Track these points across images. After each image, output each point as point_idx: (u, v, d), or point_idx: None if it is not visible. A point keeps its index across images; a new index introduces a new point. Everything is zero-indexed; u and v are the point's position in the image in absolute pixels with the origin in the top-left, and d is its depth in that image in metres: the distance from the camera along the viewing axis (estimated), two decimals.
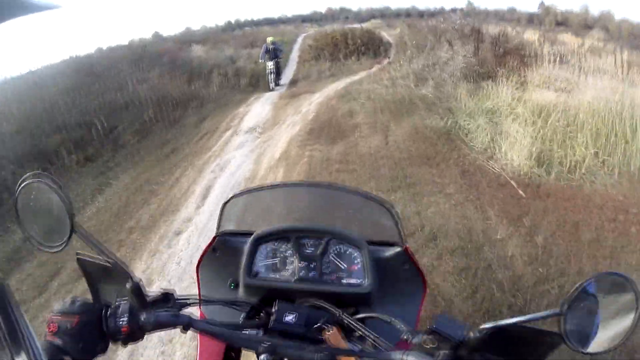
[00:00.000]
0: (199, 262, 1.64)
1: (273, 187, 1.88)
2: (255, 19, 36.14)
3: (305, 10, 40.11)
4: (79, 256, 1.31)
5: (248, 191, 1.76)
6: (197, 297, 1.34)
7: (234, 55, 21.57)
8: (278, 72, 15.81)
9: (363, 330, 1.25)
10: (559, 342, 0.97)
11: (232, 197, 1.72)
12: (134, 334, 1.16)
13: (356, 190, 1.71)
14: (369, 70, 17.58)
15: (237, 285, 1.55)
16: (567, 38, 20.40)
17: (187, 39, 26.00)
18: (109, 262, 1.23)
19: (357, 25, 27.99)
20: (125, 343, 1.18)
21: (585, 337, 0.97)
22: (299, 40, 27.82)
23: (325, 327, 1.27)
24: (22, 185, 1.23)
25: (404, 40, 20.40)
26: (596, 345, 0.98)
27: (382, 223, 1.63)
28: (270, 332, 1.30)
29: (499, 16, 28.81)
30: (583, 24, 26.23)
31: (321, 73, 18.45)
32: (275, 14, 37.91)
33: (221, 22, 32.48)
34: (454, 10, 33.74)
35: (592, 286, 0.98)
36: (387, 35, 25.54)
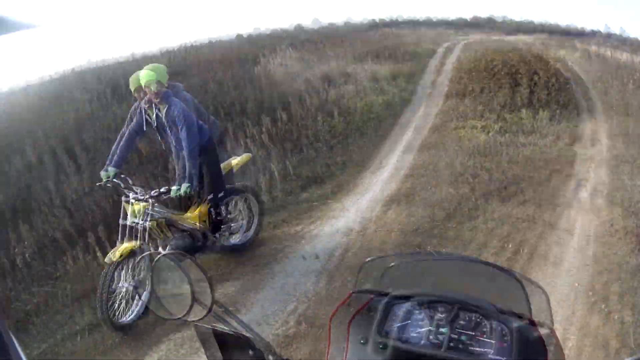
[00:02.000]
0: (332, 315, 1.64)
1: (412, 254, 2.12)
2: (400, 18, 34.73)
3: (450, 15, 38.45)
4: (197, 326, 1.46)
5: (388, 256, 1.85)
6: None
7: (337, 72, 14.82)
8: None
9: None
10: None
11: (371, 259, 1.80)
12: None
13: (492, 264, 1.75)
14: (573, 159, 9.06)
15: (366, 342, 1.52)
16: None
17: (274, 41, 18.44)
18: (239, 333, 1.39)
19: (510, 37, 23.73)
20: None
21: None
22: (440, 52, 20.93)
23: None
24: (160, 259, 1.56)
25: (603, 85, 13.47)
26: None
27: (516, 297, 1.63)
28: None
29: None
30: None
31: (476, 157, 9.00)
32: (420, 15, 36.26)
33: (365, 19, 30.50)
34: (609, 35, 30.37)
35: None
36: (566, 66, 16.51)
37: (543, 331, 1.53)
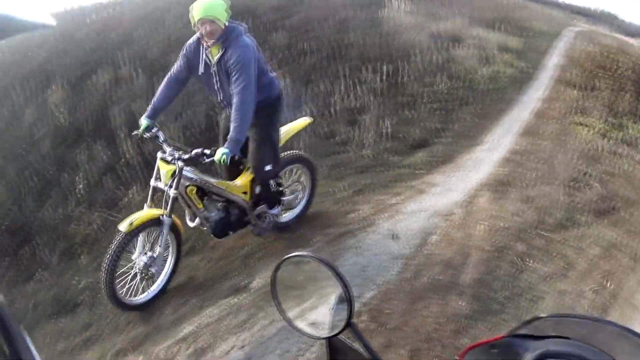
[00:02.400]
0: (470, 348, 1.56)
1: (584, 318, 1.74)
2: None
3: (579, 2, 37.29)
4: (331, 340, 1.47)
5: (559, 316, 1.75)
6: None
7: (449, 34, 13.38)
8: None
9: None
10: None
11: (542, 317, 1.63)
12: None
13: None
14: None
15: None
16: None
17: None
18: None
19: (632, 41, 21.86)
20: None
21: None
22: (565, 35, 18.87)
23: None
24: (286, 259, 1.50)
25: None
26: None
27: None
28: None
29: None
30: None
31: None
32: None
33: None
34: None
35: None
36: None
37: None
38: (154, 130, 4.52)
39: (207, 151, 4.27)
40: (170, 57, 8.56)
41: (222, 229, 4.84)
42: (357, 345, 1.41)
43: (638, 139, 9.53)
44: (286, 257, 1.50)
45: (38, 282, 5.24)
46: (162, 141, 4.44)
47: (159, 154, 4.39)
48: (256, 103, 4.49)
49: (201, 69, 4.48)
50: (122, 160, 6.55)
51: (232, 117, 4.32)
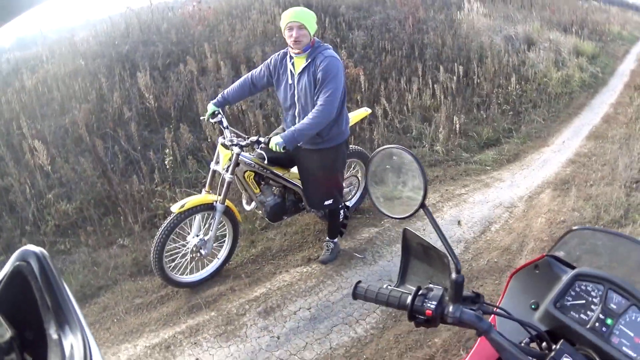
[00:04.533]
0: (515, 271, 1.78)
1: (616, 234, 1.91)
2: None
3: None
4: (406, 232, 1.65)
5: (592, 229, 1.92)
6: (498, 307, 1.54)
7: (523, 36, 13.93)
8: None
9: None
10: None
11: (575, 229, 1.87)
12: (434, 320, 1.35)
13: None
14: None
15: (536, 308, 1.64)
16: None
17: None
18: (436, 248, 1.53)
19: None
20: (419, 325, 1.39)
21: None
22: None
23: None
24: (380, 151, 1.67)
25: None
26: None
27: None
28: None
29: None
30: None
31: None
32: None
33: None
34: None
35: None
36: None
37: None
38: (219, 116, 4.63)
39: (262, 139, 4.27)
40: (255, 49, 9.08)
41: (277, 213, 4.95)
42: (425, 239, 1.59)
43: None
44: (377, 150, 1.69)
45: (120, 247, 5.55)
46: (225, 127, 4.55)
47: (220, 139, 4.53)
48: (335, 141, 4.56)
49: (283, 80, 4.50)
50: (206, 143, 6.91)
51: (307, 116, 4.26)
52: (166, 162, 6.28)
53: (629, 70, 14.49)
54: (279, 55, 4.58)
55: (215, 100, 4.70)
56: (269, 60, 4.65)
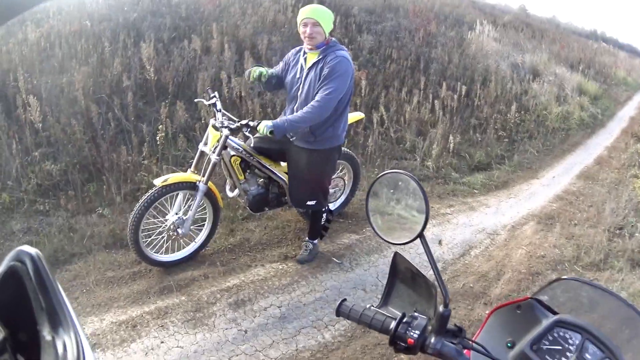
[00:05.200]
0: (497, 307, 1.78)
1: (602, 289, 1.88)
2: (619, 41, 32.87)
3: None
4: (397, 256, 1.64)
5: (580, 280, 1.89)
6: (476, 343, 1.49)
7: (529, 66, 14.12)
8: None
9: None
10: None
11: (564, 278, 1.87)
12: (414, 348, 1.37)
13: None
14: None
15: (512, 347, 1.62)
16: None
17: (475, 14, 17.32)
18: (426, 277, 1.53)
19: None
20: (398, 351, 1.40)
21: None
22: None
23: None
24: (386, 174, 1.69)
25: None
26: None
27: None
28: None
29: None
30: None
31: None
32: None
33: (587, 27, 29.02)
34: None
35: None
36: None
37: None
38: (214, 98, 4.60)
39: (252, 123, 4.29)
40: (262, 37, 9.09)
41: (259, 204, 4.95)
42: (414, 266, 1.59)
43: None
44: (382, 173, 1.71)
45: (99, 216, 5.52)
46: (218, 110, 4.54)
47: (211, 120, 4.54)
48: (328, 144, 4.56)
49: (292, 72, 4.52)
50: (199, 123, 6.90)
51: (303, 109, 4.28)
52: (157, 137, 6.21)
53: (629, 117, 14.67)
54: (295, 49, 4.61)
55: (269, 70, 4.53)
56: (286, 56, 4.68)
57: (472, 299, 4.95)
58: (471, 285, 5.20)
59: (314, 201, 4.85)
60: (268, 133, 4.13)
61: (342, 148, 5.19)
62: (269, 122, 4.18)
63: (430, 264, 1.51)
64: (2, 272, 1.14)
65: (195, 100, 5.22)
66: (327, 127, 4.46)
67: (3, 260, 1.15)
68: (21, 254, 1.16)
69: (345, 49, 4.48)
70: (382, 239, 1.69)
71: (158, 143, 6.25)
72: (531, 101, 11.89)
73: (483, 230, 6.48)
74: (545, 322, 1.63)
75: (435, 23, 13.53)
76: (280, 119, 4.32)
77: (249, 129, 4.34)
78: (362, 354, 4.02)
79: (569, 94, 13.51)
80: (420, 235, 1.55)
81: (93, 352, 1.22)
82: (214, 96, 4.62)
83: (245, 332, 4.07)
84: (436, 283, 1.48)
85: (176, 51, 8.15)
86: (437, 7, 15.84)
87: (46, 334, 1.04)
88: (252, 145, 4.75)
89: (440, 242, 5.97)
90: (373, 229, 1.72)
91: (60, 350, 1.01)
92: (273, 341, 4.01)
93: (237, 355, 3.83)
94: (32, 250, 1.17)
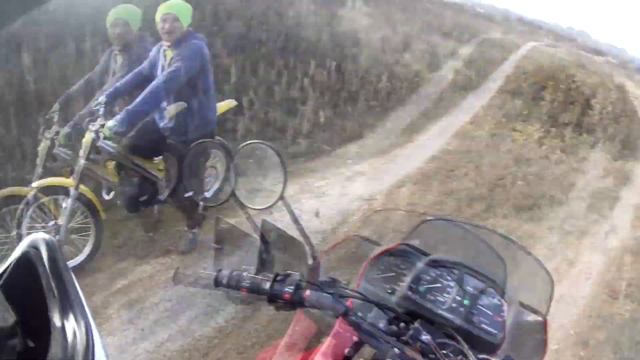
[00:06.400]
0: (372, 258, 1.82)
1: (467, 223, 2.01)
2: (496, 7, 34.30)
3: (547, 19, 38.11)
4: (264, 222, 1.70)
5: (445, 218, 2.08)
6: (356, 292, 1.58)
7: (400, 38, 14.18)
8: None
9: None
10: None
11: (429, 219, 1.96)
12: (292, 304, 1.44)
13: (531, 253, 1.94)
14: None
15: (392, 293, 1.67)
16: None
17: None
18: (293, 237, 1.62)
19: (598, 59, 22.26)
20: (279, 309, 1.48)
21: None
22: (523, 49, 19.67)
23: (450, 355, 1.41)
24: (245, 145, 1.78)
25: None
26: None
27: (536, 290, 1.85)
28: (402, 345, 1.42)
29: None
30: None
31: None
32: (517, 10, 35.83)
33: None
34: None
35: None
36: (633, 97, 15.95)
37: (537, 318, 1.77)
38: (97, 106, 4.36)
39: (106, 123, 4.12)
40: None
41: (134, 203, 4.93)
42: (282, 229, 1.69)
43: (576, 148, 10.28)
44: (241, 145, 1.83)
45: None
46: (93, 107, 4.35)
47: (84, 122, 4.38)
48: (200, 131, 4.52)
49: (155, 72, 4.46)
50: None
51: (143, 92, 4.18)
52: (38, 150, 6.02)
53: (504, 76, 15.02)
54: (157, 46, 4.53)
55: (103, 96, 4.35)
56: (150, 53, 4.58)
57: (356, 262, 4.95)
58: (353, 250, 5.20)
59: (191, 192, 4.72)
60: (113, 134, 4.09)
61: (215, 137, 5.14)
62: (112, 122, 4.05)
63: (294, 222, 1.70)
64: (16, 258, 1.20)
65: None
66: (194, 116, 4.48)
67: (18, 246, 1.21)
68: (36, 241, 1.22)
69: (203, 38, 4.50)
70: (247, 206, 1.83)
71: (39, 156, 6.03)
72: (403, 70, 12.11)
73: (360, 197, 6.57)
74: (420, 264, 1.73)
75: (306, 1, 13.58)
76: (123, 111, 4.18)
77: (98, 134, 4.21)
78: (257, 333, 4.13)
79: (441, 60, 13.90)
80: (281, 197, 1.72)
81: (101, 340, 1.24)
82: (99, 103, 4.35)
83: (143, 330, 4.09)
84: (302, 240, 1.62)
85: (53, 58, 7.91)
86: None
87: (56, 320, 1.08)
88: (124, 144, 4.62)
89: (317, 214, 5.98)
90: (237, 197, 1.83)
91: (70, 337, 1.06)
92: (170, 335, 4.05)
93: (139, 355, 3.86)
94: (47, 237, 1.25)
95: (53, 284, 1.10)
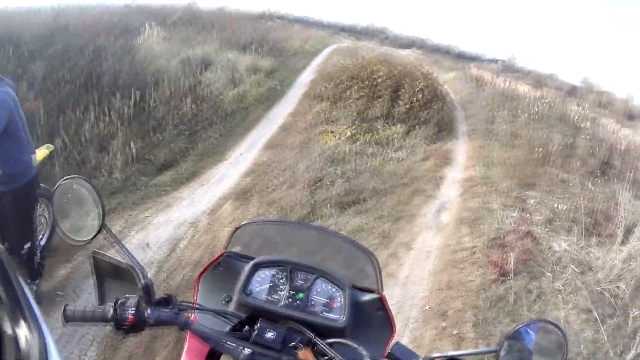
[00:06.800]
0: (201, 273, 1.91)
1: (280, 222, 2.47)
2: (294, 15, 35.41)
3: (347, 21, 39.87)
4: (95, 255, 1.74)
5: (259, 221, 2.37)
6: (194, 304, 1.71)
7: (199, 58, 14.55)
8: None
9: (331, 353, 1.55)
10: None
11: (243, 224, 2.12)
12: (137, 325, 1.51)
13: (347, 238, 2.17)
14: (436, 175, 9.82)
15: (229, 301, 1.81)
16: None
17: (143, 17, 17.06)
18: (123, 262, 1.64)
19: (403, 52, 25.12)
20: (127, 332, 1.53)
21: None
22: (325, 52, 22.32)
23: (299, 346, 1.57)
24: (60, 185, 1.74)
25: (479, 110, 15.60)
26: None
27: (365, 270, 2.00)
28: (251, 345, 1.57)
29: (537, 79, 27.87)
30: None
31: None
32: (316, 16, 37.23)
33: (258, 9, 30.74)
34: (494, 61, 33.78)
35: (527, 329, 1.43)
36: (442, 81, 18.72)
37: (373, 296, 1.89)
38: None
39: None
40: None
41: None
42: (113, 258, 1.72)
43: (388, 138, 11.18)
44: (58, 183, 1.77)
45: None
46: None
47: None
48: (24, 178, 4.37)
49: None
50: None
51: None
52: None
53: (309, 81, 15.81)
54: None
55: None
56: None
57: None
58: (190, 274, 5.50)
59: (29, 242, 4.65)
60: None
61: (46, 187, 5.01)
62: None
63: (120, 248, 1.67)
64: None
65: None
66: (7, 167, 4.24)
67: None
68: None
69: (10, 83, 4.22)
70: (74, 240, 1.81)
71: None
72: (206, 90, 12.32)
73: (185, 222, 6.76)
74: (246, 268, 1.86)
75: (105, 34, 13.47)
76: None
77: None
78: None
79: (243, 75, 14.20)
80: (103, 226, 1.70)
81: (56, 346, 1.26)
82: None
83: None
84: (131, 262, 1.63)
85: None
86: (106, 18, 15.76)
87: (7, 328, 1.08)
88: None
89: (148, 245, 6.09)
90: (63, 234, 1.83)
91: (23, 344, 1.06)
92: None
93: None
94: None
95: (2, 293, 1.13)
